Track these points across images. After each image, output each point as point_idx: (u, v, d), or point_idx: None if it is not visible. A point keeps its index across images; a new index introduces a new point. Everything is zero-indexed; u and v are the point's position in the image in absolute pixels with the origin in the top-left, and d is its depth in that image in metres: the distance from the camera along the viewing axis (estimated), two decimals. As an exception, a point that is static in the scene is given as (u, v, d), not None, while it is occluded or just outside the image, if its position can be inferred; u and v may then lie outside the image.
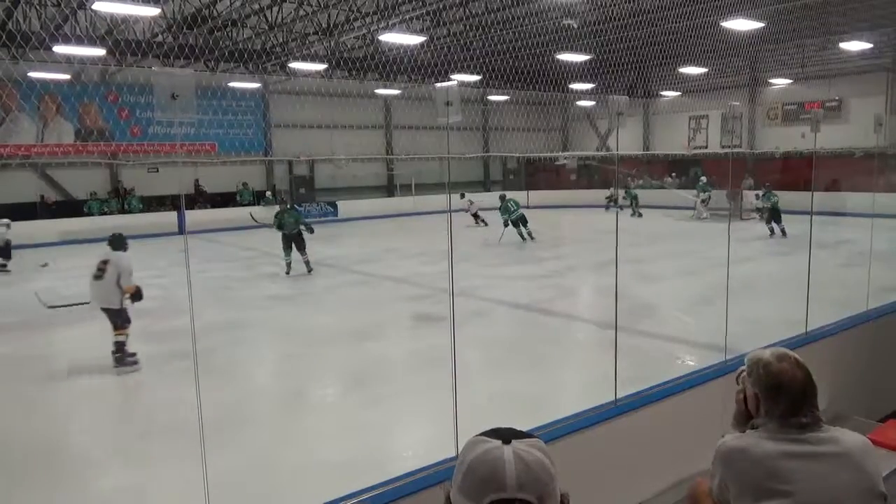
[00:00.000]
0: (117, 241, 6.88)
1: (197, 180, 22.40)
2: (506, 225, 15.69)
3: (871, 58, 20.36)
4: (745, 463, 1.74)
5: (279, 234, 12.00)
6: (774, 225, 15.80)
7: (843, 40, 18.04)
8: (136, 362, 6.58)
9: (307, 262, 11.95)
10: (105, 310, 6.57)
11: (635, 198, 22.06)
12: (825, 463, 1.71)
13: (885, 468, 3.68)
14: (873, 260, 6.35)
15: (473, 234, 16.48)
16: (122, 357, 6.52)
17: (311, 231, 12.14)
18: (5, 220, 14.23)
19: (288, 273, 11.83)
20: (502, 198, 16.13)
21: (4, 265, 14.10)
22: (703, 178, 21.26)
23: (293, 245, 11.83)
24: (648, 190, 23.84)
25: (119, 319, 6.55)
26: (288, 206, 13.12)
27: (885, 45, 20.04)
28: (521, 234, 15.59)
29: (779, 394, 1.80)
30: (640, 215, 21.19)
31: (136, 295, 6.61)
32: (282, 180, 24.92)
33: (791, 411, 1.77)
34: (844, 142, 17.82)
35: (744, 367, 1.92)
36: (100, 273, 6.57)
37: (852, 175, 16.45)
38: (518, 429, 1.06)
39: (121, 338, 6.53)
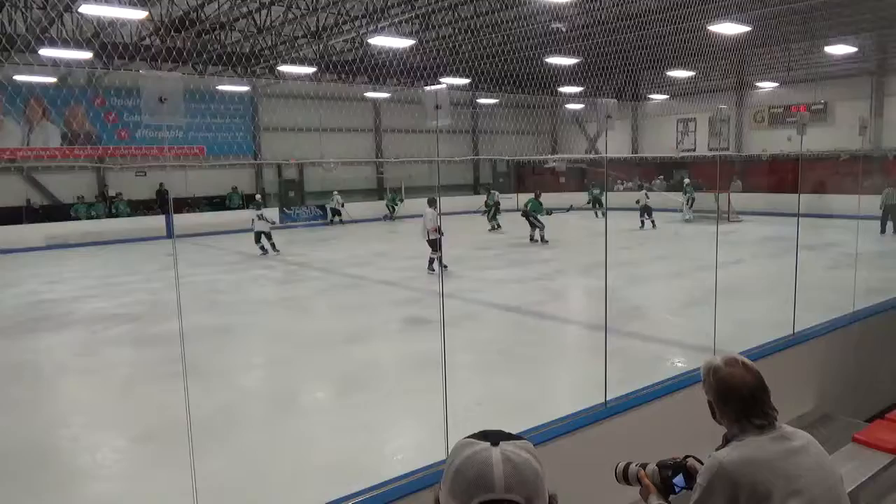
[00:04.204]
0: (432, 201, 12.05)
1: (161, 184, 21.94)
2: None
3: (856, 61, 20.60)
4: (759, 471, 1.72)
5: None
6: None
7: (828, 44, 18.24)
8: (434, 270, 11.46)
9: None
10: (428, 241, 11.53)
11: (598, 200, 21.68)
12: (806, 455, 1.77)
13: (871, 468, 3.72)
14: (859, 262, 6.42)
15: (464, 236, 16.49)
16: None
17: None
18: None
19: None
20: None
21: None
22: (687, 180, 21.42)
23: None
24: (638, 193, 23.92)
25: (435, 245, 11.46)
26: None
27: (869, 49, 20.28)
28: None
29: (728, 398, 1.83)
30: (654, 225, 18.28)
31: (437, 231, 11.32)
32: (271, 184, 24.84)
33: (743, 413, 1.80)
34: (830, 144, 18.00)
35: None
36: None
37: (838, 177, 16.61)
38: (506, 431, 1.06)
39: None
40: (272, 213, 16.47)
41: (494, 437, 1.03)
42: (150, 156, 21.62)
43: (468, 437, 1.06)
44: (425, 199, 12.24)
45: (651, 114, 27.83)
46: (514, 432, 1.06)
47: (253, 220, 15.45)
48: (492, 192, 21.45)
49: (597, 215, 21.71)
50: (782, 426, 1.82)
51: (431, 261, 11.63)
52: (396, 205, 23.98)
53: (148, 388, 6.00)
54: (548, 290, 10.37)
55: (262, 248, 15.23)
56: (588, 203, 22.62)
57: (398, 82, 21.01)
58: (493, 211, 20.10)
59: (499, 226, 19.50)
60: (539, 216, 15.74)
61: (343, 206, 23.41)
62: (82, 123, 19.95)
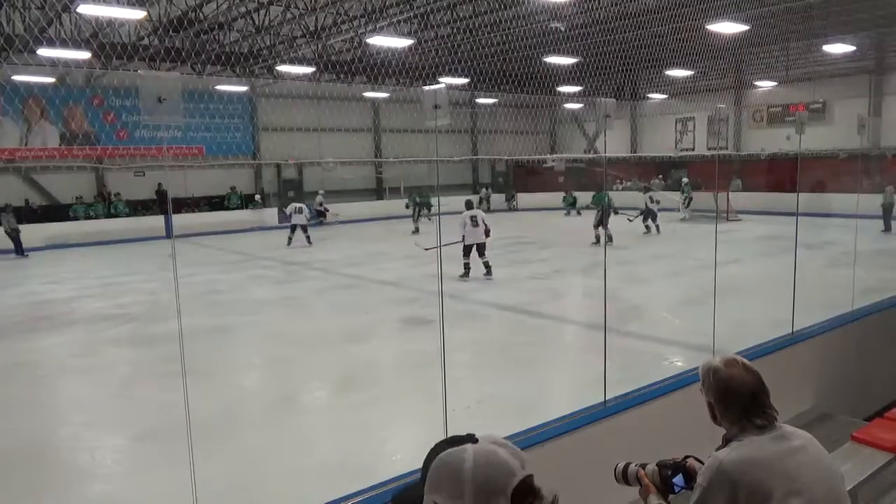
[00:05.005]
0: (470, 203, 11.43)
1: (160, 184, 21.92)
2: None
3: (854, 60, 20.61)
4: (759, 471, 1.72)
5: (268, 236, 11.82)
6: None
7: (826, 43, 18.25)
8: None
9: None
10: (479, 244, 10.85)
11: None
12: (806, 455, 1.77)
13: (870, 466, 3.72)
14: (857, 260, 6.42)
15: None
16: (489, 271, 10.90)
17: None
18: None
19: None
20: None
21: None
22: (685, 180, 21.42)
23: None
24: (634, 192, 23.89)
25: (485, 248, 10.92)
26: None
27: (868, 48, 20.29)
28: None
29: (729, 399, 1.83)
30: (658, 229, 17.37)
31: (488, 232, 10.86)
32: (270, 183, 24.82)
33: (743, 414, 1.80)
34: (829, 143, 18.01)
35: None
36: (475, 223, 10.76)
37: (837, 176, 16.62)
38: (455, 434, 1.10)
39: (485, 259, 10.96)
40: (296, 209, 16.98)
41: (462, 439, 1.06)
42: (149, 156, 21.59)
43: (441, 452, 1.06)
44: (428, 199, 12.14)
45: (650, 113, 27.82)
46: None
47: (291, 214, 16.40)
48: (417, 190, 20.62)
49: (567, 213, 23.89)
50: (782, 426, 1.82)
51: (487, 265, 10.92)
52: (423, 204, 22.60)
53: (147, 387, 6.00)
54: (547, 289, 10.37)
55: (290, 238, 16.16)
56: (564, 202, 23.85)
57: (397, 82, 21.01)
58: (417, 212, 19.45)
59: (417, 230, 18.50)
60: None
61: (322, 205, 22.61)
62: (81, 123, 19.91)
